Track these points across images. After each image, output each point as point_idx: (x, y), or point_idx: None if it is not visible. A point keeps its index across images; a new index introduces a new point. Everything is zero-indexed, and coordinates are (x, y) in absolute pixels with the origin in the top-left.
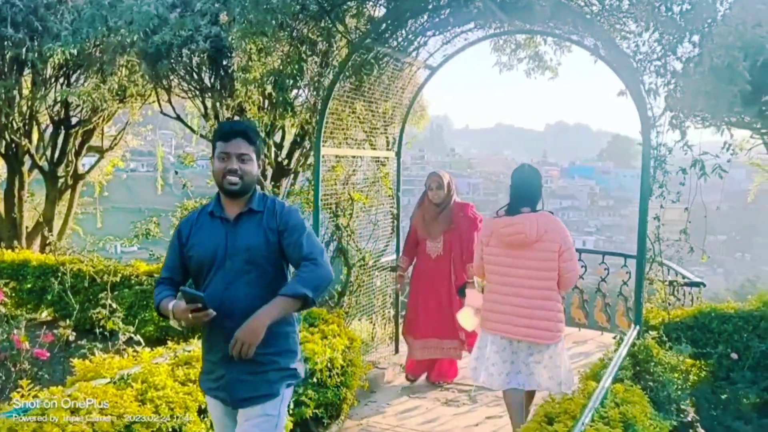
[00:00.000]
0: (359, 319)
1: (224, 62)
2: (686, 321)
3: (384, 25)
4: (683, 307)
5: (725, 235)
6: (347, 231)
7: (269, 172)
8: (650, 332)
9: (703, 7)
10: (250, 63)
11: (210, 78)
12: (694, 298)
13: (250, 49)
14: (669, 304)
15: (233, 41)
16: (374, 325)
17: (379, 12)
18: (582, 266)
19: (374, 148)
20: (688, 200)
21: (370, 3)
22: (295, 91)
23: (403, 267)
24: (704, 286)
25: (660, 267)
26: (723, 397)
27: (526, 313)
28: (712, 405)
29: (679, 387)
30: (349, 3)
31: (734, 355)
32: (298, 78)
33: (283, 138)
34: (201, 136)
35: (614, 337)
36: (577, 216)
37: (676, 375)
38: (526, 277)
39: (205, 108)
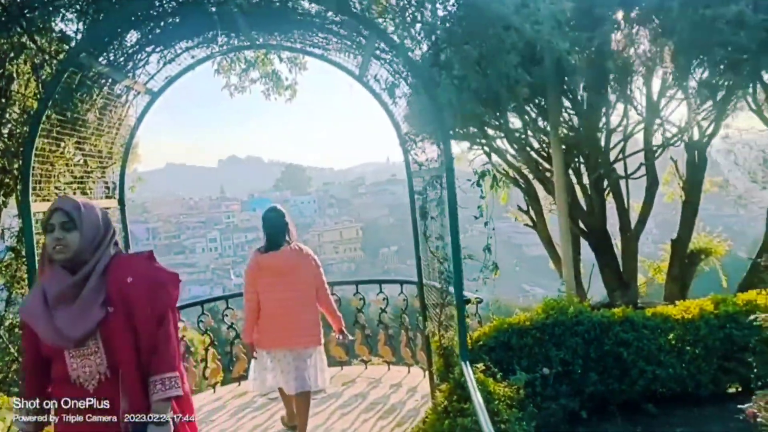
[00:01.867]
0: None
1: None
2: (487, 342)
3: (91, 38)
4: (480, 327)
5: (396, 246)
6: None
7: None
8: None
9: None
10: None
11: None
12: (471, 314)
13: None
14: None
15: None
16: None
17: (73, 26)
18: (360, 298)
19: (90, 198)
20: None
21: (70, 13)
22: None
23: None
24: (481, 301)
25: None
26: (549, 414)
27: (297, 326)
28: (540, 425)
29: (521, 418)
30: (35, 13)
31: (546, 370)
32: None
33: None
34: None
35: (444, 380)
36: None
37: (515, 409)
38: (294, 298)
39: None
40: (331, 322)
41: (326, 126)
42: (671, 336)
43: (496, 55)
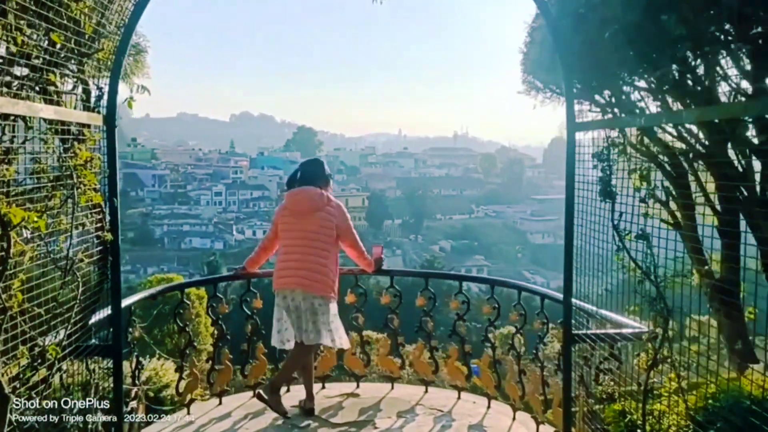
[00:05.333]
0: None
1: None
2: (705, 420)
3: None
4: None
5: (400, 219)
6: None
7: None
8: None
9: None
10: None
11: None
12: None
13: None
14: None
15: None
16: None
17: None
18: (430, 297)
19: (57, 103)
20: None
21: None
22: None
23: None
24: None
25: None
26: None
27: (310, 267)
28: None
29: None
30: None
31: None
32: None
33: None
34: None
35: None
36: (267, 206)
37: None
38: (310, 238)
39: None
40: (362, 264)
41: (342, 89)
42: None
43: None
